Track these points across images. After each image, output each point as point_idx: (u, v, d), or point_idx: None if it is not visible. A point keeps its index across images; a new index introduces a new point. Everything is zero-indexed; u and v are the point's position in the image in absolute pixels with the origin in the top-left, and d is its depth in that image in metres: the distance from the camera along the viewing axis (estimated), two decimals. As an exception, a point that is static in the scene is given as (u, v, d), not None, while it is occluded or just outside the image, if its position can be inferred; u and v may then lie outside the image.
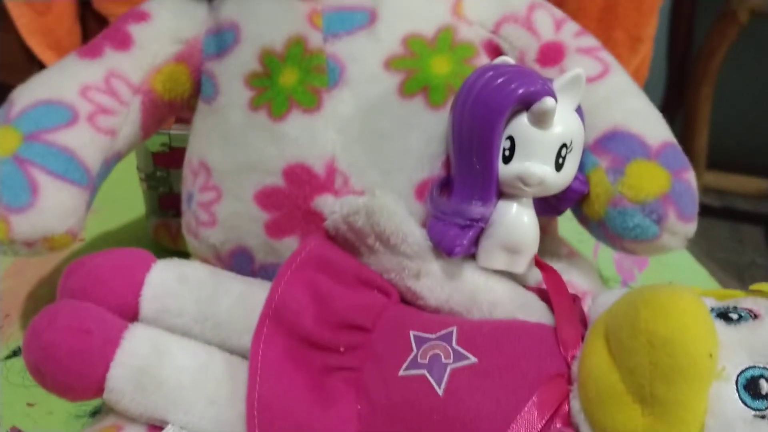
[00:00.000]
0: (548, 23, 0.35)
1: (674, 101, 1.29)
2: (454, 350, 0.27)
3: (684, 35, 1.24)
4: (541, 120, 0.29)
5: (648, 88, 0.86)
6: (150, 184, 0.47)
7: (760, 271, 1.25)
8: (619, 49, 0.81)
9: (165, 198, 0.47)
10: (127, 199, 0.51)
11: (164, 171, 0.47)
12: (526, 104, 0.29)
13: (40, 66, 1.04)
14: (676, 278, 0.48)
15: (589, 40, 0.35)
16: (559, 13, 0.36)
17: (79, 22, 1.02)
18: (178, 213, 0.47)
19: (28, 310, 0.43)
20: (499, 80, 0.29)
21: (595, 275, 0.35)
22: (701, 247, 1.34)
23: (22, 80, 1.08)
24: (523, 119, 0.29)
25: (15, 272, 0.45)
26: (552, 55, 0.34)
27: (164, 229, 0.48)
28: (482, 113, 0.29)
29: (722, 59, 1.03)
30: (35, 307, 0.43)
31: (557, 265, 0.33)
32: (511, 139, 0.29)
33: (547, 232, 0.35)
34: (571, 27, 0.35)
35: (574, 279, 0.33)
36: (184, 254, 0.43)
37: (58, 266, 0.45)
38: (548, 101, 0.28)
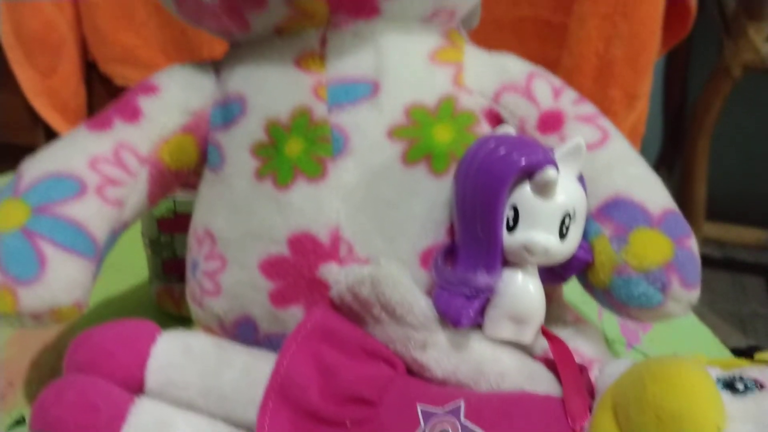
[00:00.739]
0: (547, 91, 0.36)
1: (671, 154, 1.30)
2: (462, 425, 0.27)
3: (679, 90, 1.27)
4: (544, 190, 0.29)
5: (645, 142, 0.88)
6: (154, 249, 0.48)
7: (763, 321, 1.25)
8: (615, 106, 0.83)
9: (169, 263, 0.48)
10: (130, 264, 0.51)
11: (168, 236, 0.47)
12: (528, 174, 0.29)
13: (44, 127, 1.05)
14: (680, 339, 0.48)
15: (588, 108, 0.36)
16: (557, 80, 0.37)
17: (84, 84, 1.04)
18: (181, 278, 0.47)
19: (32, 378, 0.42)
20: (502, 151, 0.29)
21: (601, 342, 0.35)
22: (703, 299, 1.33)
23: (28, 140, 1.10)
24: (526, 189, 0.30)
25: (18, 340, 0.45)
26: (552, 123, 0.35)
27: (167, 295, 0.48)
28: (486, 184, 0.29)
29: (718, 113, 1.04)
30: (39, 375, 0.42)
31: (563, 332, 0.33)
32: (514, 208, 0.30)
33: (552, 298, 0.35)
34: (569, 94, 0.36)
35: (581, 346, 0.33)
36: (187, 319, 0.43)
37: (61, 334, 0.45)
38: (550, 171, 0.29)
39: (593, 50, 0.81)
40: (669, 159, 1.34)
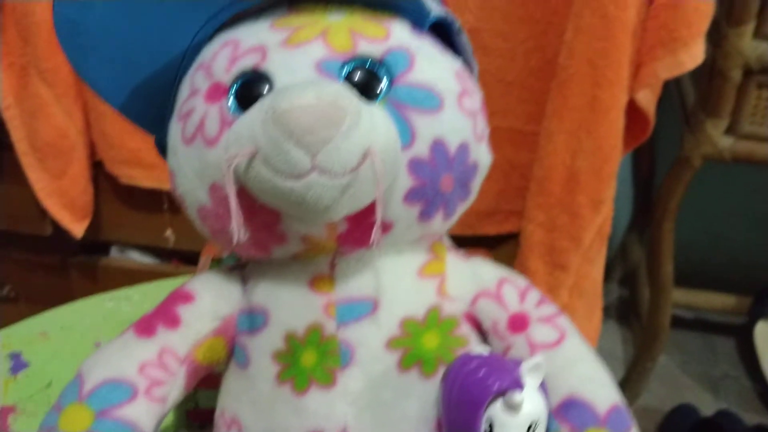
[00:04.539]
0: (514, 296, 0.44)
1: (642, 220, 1.38)
2: None
3: (647, 159, 1.34)
4: (512, 408, 0.37)
5: (617, 207, 0.94)
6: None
7: (734, 383, 1.32)
8: (582, 210, 0.91)
9: (192, 413, 0.55)
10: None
11: (193, 389, 0.54)
12: (501, 394, 0.37)
13: (52, 220, 1.11)
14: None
15: (549, 308, 0.44)
16: (523, 283, 0.45)
17: (92, 182, 1.11)
18: (203, 426, 0.54)
19: None
20: (479, 375, 0.37)
21: None
22: (676, 360, 1.42)
23: (35, 230, 1.15)
24: (498, 405, 0.37)
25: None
26: (518, 325, 0.43)
27: (193, 441, 0.55)
28: (465, 404, 0.37)
29: (680, 198, 1.12)
30: None
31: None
32: (490, 421, 0.37)
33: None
34: (533, 296, 0.44)
35: None
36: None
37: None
38: (517, 397, 0.36)
39: (561, 162, 0.89)
40: (640, 224, 1.42)
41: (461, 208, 0.43)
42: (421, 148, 0.39)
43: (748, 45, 0.98)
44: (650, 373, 1.26)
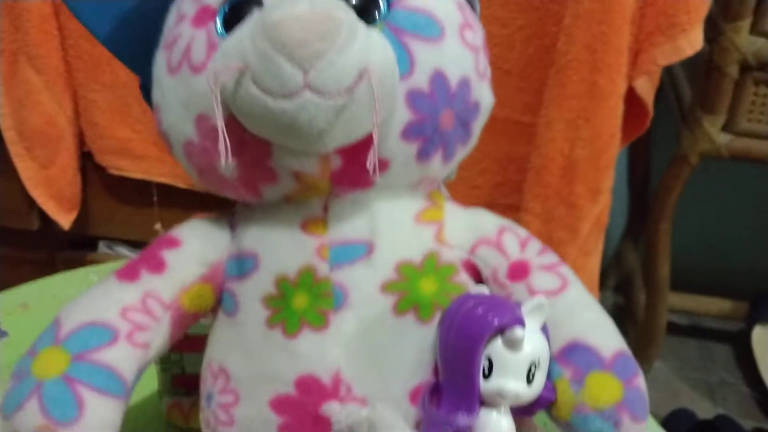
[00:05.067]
0: (514, 244, 0.42)
1: (637, 227, 1.37)
2: None
3: (643, 163, 1.34)
4: (513, 345, 0.35)
5: (612, 214, 0.93)
6: (164, 365, 0.52)
7: (731, 390, 1.30)
8: (580, 201, 0.90)
9: (177, 378, 0.52)
10: (141, 378, 0.56)
11: (178, 354, 0.52)
12: (500, 331, 0.35)
13: (39, 212, 1.10)
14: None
15: (550, 257, 0.42)
16: (523, 232, 0.43)
17: (80, 173, 1.09)
18: (189, 393, 0.52)
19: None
20: (479, 311, 0.35)
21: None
22: (672, 366, 1.40)
23: (21, 224, 1.13)
24: (498, 343, 0.35)
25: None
26: (519, 272, 0.41)
27: (177, 409, 0.52)
28: (464, 341, 0.35)
29: (677, 197, 1.11)
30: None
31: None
32: (489, 359, 0.35)
33: (522, 425, 0.40)
34: (534, 245, 0.42)
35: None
36: (195, 431, 0.48)
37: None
38: (518, 331, 0.34)
39: (559, 151, 0.88)
40: (635, 231, 1.41)
41: (461, 152, 0.41)
42: (421, 78, 0.37)
43: (745, 40, 0.98)
44: (646, 379, 1.23)
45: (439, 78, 0.37)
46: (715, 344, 1.40)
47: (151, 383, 0.54)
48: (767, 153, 1.05)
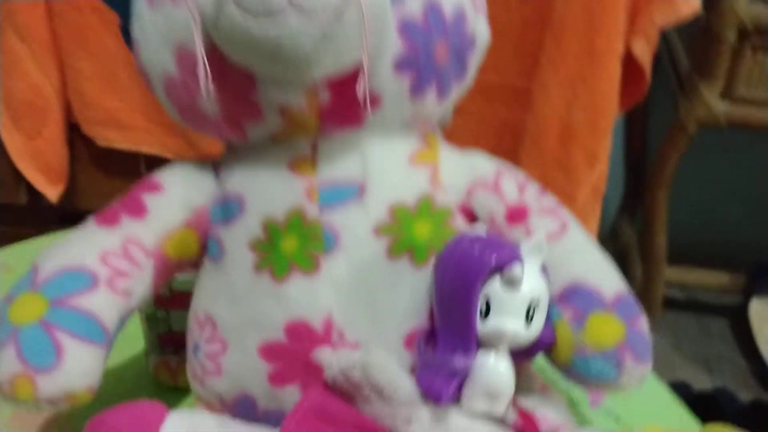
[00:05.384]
0: (512, 187, 0.40)
1: (633, 202, 1.36)
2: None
3: (639, 138, 1.32)
4: (512, 284, 0.33)
5: (607, 188, 0.92)
6: (150, 323, 0.51)
7: (728, 363, 1.29)
8: (578, 166, 0.88)
9: (165, 336, 0.51)
10: (126, 336, 0.54)
11: (164, 312, 0.50)
12: (498, 270, 0.34)
13: (27, 185, 1.08)
14: (640, 397, 0.52)
15: (549, 200, 0.40)
16: (521, 176, 0.41)
17: (67, 145, 1.07)
18: (177, 351, 0.50)
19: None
20: (476, 250, 0.34)
21: (565, 408, 0.39)
22: (668, 340, 1.39)
23: (8, 199, 1.11)
24: (496, 282, 0.34)
25: (19, 417, 0.47)
26: (517, 215, 0.39)
27: (164, 367, 0.51)
28: (461, 280, 0.33)
29: (675, 167, 1.10)
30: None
31: (530, 401, 0.37)
32: (487, 299, 0.34)
33: (520, 371, 0.39)
34: (532, 189, 0.41)
35: (547, 413, 0.37)
36: (183, 390, 0.46)
37: (61, 410, 0.48)
38: (516, 269, 0.33)
39: (556, 115, 0.86)
40: (631, 206, 1.40)
41: (456, 89, 0.40)
42: (414, 7, 0.35)
43: (743, 6, 0.96)
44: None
45: (433, 7, 0.36)
46: (712, 317, 1.39)
47: (137, 342, 0.52)
48: (765, 121, 1.03)
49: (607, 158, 0.89)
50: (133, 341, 0.53)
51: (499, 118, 0.93)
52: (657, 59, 0.90)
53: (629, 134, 1.33)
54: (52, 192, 1.06)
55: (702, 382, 1.24)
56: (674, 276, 1.25)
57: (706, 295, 1.41)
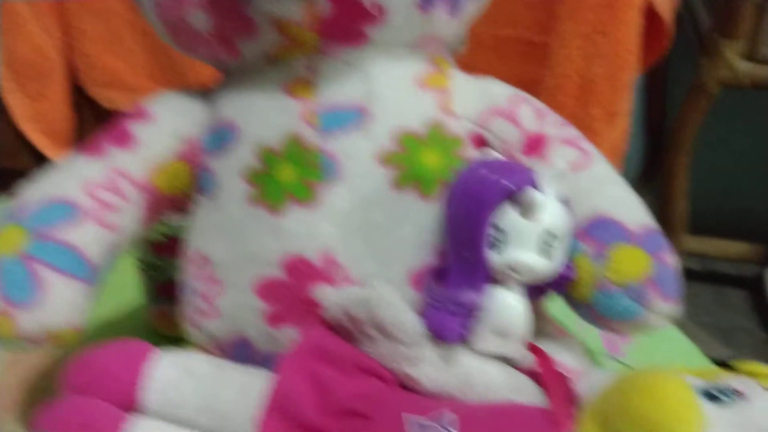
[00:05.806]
0: (530, 115, 0.37)
1: (653, 171, 1.33)
2: (451, 435, 0.28)
3: (659, 108, 1.29)
4: (528, 211, 0.31)
5: (627, 159, 0.90)
6: (148, 272, 0.48)
7: (746, 334, 1.26)
8: (596, 124, 0.85)
9: (163, 286, 0.48)
10: (125, 286, 0.52)
11: (162, 260, 0.48)
12: (513, 197, 0.31)
13: (32, 150, 1.06)
14: (660, 349, 0.49)
15: (571, 131, 0.37)
16: (540, 104, 0.38)
17: (72, 107, 1.05)
18: (175, 300, 0.48)
19: (25, 401, 0.43)
20: (488, 175, 0.31)
21: (582, 353, 0.36)
22: (686, 312, 1.36)
23: (16, 164, 1.10)
24: (512, 211, 0.31)
25: (12, 364, 0.46)
26: (535, 145, 0.36)
27: (162, 317, 0.48)
28: (471, 207, 0.31)
29: (696, 129, 1.06)
30: (31, 398, 0.43)
31: (546, 345, 0.34)
32: (501, 229, 0.31)
33: (535, 312, 0.36)
34: (552, 118, 0.38)
35: (563, 358, 0.35)
36: (182, 341, 0.44)
37: (56, 358, 0.46)
38: (533, 193, 0.30)
39: (574, 69, 0.83)
40: (651, 175, 1.36)
41: (470, 6, 0.36)
42: None
43: (767, -37, 0.92)
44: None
45: None
46: (730, 289, 1.36)
47: (135, 292, 0.50)
48: (790, 82, 1.00)
49: (628, 116, 0.86)
50: (132, 291, 0.51)
51: (514, 74, 0.89)
52: (678, 20, 0.87)
53: (649, 100, 1.29)
54: (56, 155, 1.04)
55: (719, 353, 1.21)
56: (693, 245, 1.23)
57: (725, 266, 1.38)
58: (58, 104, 1.03)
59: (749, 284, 1.36)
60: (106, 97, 1.03)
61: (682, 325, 0.59)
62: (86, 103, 1.06)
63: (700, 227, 1.22)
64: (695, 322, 1.29)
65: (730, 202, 1.38)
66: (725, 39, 0.99)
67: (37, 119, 1.02)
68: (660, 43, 0.87)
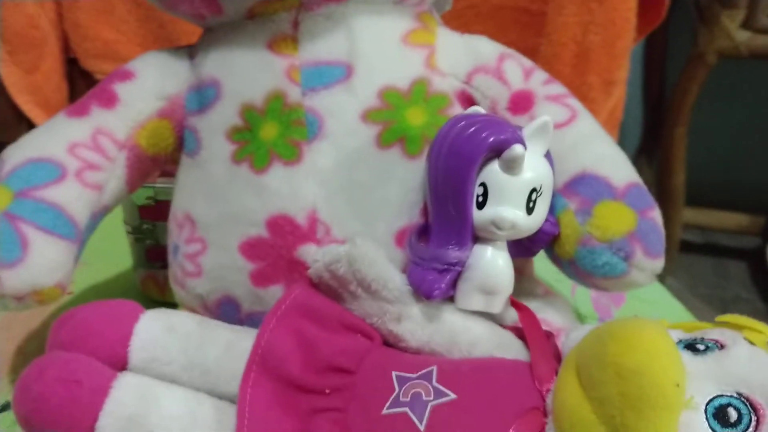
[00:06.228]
0: (517, 73, 0.37)
1: (651, 143, 1.32)
2: (434, 388, 0.28)
3: (657, 80, 1.28)
4: (512, 167, 0.30)
5: (625, 132, 0.89)
6: (136, 236, 0.48)
7: (746, 305, 1.26)
8: (593, 92, 0.84)
9: (151, 250, 0.48)
10: (114, 252, 0.52)
11: (150, 224, 0.48)
12: (497, 152, 0.30)
13: (28, 124, 1.05)
14: (653, 314, 0.49)
15: (557, 88, 0.37)
16: (527, 62, 0.38)
17: (67, 80, 1.04)
18: (164, 265, 0.48)
19: (17, 365, 0.43)
20: (471, 130, 0.30)
21: (569, 313, 0.36)
22: (685, 283, 1.36)
23: (11, 138, 1.10)
24: (494, 166, 0.31)
25: (3, 328, 0.46)
26: (522, 103, 0.36)
27: (152, 281, 0.48)
28: (455, 162, 0.30)
29: (694, 100, 1.05)
30: (24, 362, 0.43)
31: (533, 304, 0.34)
32: (483, 185, 0.31)
33: (523, 272, 0.36)
34: (539, 75, 0.37)
35: (549, 317, 0.35)
36: (171, 305, 0.44)
37: (45, 320, 0.46)
38: (517, 149, 0.30)
39: (571, 37, 0.82)
40: (649, 147, 1.35)
41: None
42: None
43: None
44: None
45: None
46: (729, 260, 1.36)
47: (124, 257, 0.50)
48: (789, 52, 0.99)
49: (625, 84, 0.86)
50: (121, 256, 0.51)
51: (511, 42, 0.88)
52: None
53: (648, 70, 1.28)
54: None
55: (718, 324, 1.21)
56: (692, 217, 1.22)
57: (724, 238, 1.37)
58: (51, 76, 1.02)
59: (748, 256, 1.35)
60: (99, 68, 1.03)
61: (681, 296, 0.59)
62: (80, 75, 1.06)
63: (698, 199, 1.21)
64: (694, 294, 1.29)
65: (729, 173, 1.37)
66: (724, 9, 0.98)
67: (31, 91, 1.02)
68: (658, 11, 0.86)
